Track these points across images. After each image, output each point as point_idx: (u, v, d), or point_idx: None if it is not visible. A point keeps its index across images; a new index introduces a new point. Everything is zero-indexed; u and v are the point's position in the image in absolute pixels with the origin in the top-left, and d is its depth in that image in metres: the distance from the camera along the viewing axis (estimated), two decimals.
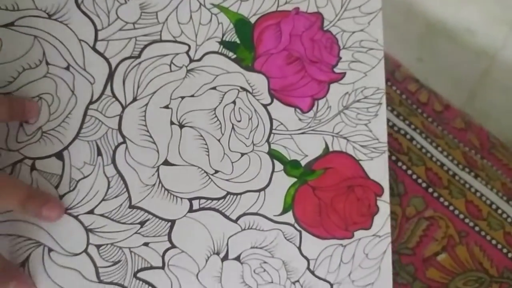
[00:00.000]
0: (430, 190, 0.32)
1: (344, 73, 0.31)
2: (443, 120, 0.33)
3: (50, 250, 0.28)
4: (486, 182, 0.33)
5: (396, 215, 0.31)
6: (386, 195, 0.30)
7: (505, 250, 0.32)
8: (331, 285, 0.29)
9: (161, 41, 0.30)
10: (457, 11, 0.37)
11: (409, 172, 0.32)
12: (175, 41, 0.30)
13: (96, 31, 0.30)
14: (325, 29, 0.31)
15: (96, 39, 0.30)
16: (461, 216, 0.33)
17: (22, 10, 0.29)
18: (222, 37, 0.30)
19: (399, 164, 0.32)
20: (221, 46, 0.30)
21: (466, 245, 0.32)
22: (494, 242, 0.33)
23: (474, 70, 0.39)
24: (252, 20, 0.31)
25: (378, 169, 0.30)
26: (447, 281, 0.32)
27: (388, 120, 0.31)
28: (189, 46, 0.30)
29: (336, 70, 0.31)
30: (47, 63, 0.29)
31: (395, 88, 0.32)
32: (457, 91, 0.36)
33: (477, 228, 0.32)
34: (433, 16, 0.37)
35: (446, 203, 0.33)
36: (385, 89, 0.30)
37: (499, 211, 0.33)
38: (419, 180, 0.32)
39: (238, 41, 0.30)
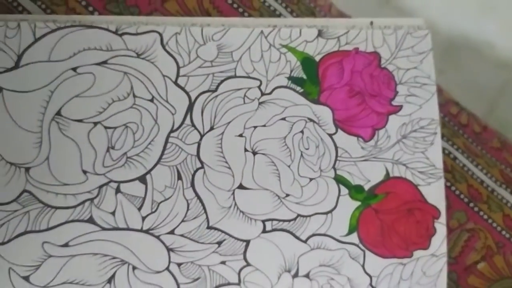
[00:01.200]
0: (471, 204, 0.35)
1: (401, 106, 0.34)
2: (482, 140, 0.36)
3: (134, 268, 0.30)
4: None
5: None
6: (443, 218, 0.33)
7: None
8: None
9: (235, 76, 0.33)
10: (478, 25, 0.40)
11: (453, 188, 0.35)
12: (248, 77, 0.33)
13: (178, 68, 0.33)
14: (382, 66, 0.34)
15: (178, 75, 0.33)
16: (499, 228, 0.35)
17: (114, 50, 0.33)
18: (290, 73, 0.34)
19: (444, 181, 0.35)
20: (289, 81, 0.33)
21: (503, 254, 0.35)
22: None
23: (494, 81, 0.41)
24: (317, 58, 0.34)
25: (435, 193, 0.33)
26: (486, 287, 0.35)
27: None
28: (261, 81, 0.33)
29: (393, 103, 0.34)
30: (134, 96, 0.32)
31: (439, 111, 0.36)
32: (479, 102, 0.38)
33: None
34: (454, 29, 0.40)
35: (485, 217, 0.35)
36: (439, 120, 0.34)
37: None
38: (462, 196, 0.35)
39: (304, 77, 0.34)
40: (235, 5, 0.36)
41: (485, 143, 0.37)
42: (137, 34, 0.33)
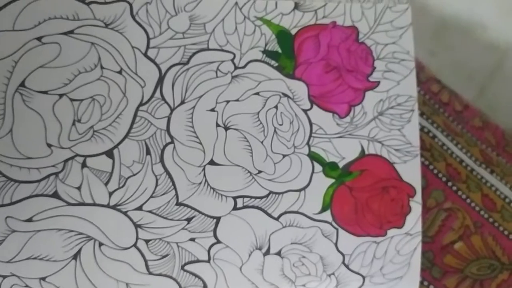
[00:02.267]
0: (450, 184, 0.35)
1: (378, 82, 0.33)
2: (463, 119, 0.36)
3: (100, 244, 0.29)
4: (501, 177, 0.36)
5: None
6: (419, 196, 0.32)
7: None
8: (364, 277, 0.31)
9: (208, 49, 0.32)
10: (471, 6, 0.39)
11: (431, 167, 0.35)
12: (221, 50, 0.32)
13: (149, 39, 0.32)
14: (360, 41, 0.33)
15: (148, 47, 0.32)
16: (477, 208, 0.35)
17: (81, 20, 0.31)
18: (265, 46, 0.33)
19: (422, 159, 0.34)
20: (264, 55, 0.32)
21: (480, 234, 0.35)
22: (506, 232, 0.35)
23: (485, 64, 0.41)
24: (293, 32, 0.33)
25: (411, 171, 0.32)
26: (462, 267, 0.35)
27: None
28: (234, 55, 0.32)
29: (371, 79, 0.33)
30: (102, 67, 0.31)
31: (419, 89, 0.35)
32: (469, 85, 0.38)
33: (491, 220, 0.35)
34: (446, 10, 0.39)
35: (463, 196, 0.35)
36: (417, 97, 0.33)
37: None
38: (440, 175, 0.35)
39: (280, 50, 0.33)
40: None
41: (466, 121, 0.37)
42: (105, 3, 0.32)
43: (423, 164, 0.34)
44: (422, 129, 0.34)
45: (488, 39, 0.40)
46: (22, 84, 0.30)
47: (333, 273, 0.31)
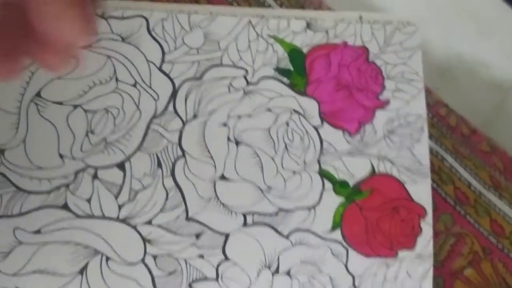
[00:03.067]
0: (458, 208, 0.34)
1: (388, 101, 0.33)
2: (471, 143, 0.36)
3: (108, 258, 0.29)
4: (510, 202, 0.35)
5: None
6: (429, 217, 0.32)
7: None
8: None
9: (221, 65, 0.33)
10: (475, 47, 0.40)
11: (439, 190, 0.34)
12: (234, 66, 0.33)
13: (163, 53, 0.32)
14: (370, 60, 0.34)
15: (163, 61, 0.32)
16: (486, 233, 0.34)
17: (99, 34, 0.32)
18: (277, 64, 0.33)
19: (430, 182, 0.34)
20: (276, 72, 0.33)
21: (490, 261, 0.34)
22: None
23: (488, 102, 0.41)
24: (304, 50, 0.33)
25: (421, 192, 0.32)
26: None
27: None
28: (247, 71, 0.33)
29: (380, 97, 0.33)
30: (117, 80, 0.31)
31: (427, 112, 0.35)
32: (473, 122, 0.38)
33: (500, 246, 0.34)
34: (451, 49, 0.40)
35: (472, 221, 0.34)
36: (426, 117, 0.33)
37: None
38: (448, 198, 0.34)
39: (291, 68, 0.33)
40: None
41: (474, 146, 0.37)
42: (123, 18, 0.32)
43: (431, 187, 0.34)
44: (431, 151, 0.34)
45: (492, 78, 0.41)
46: (38, 94, 0.31)
47: None
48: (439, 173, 0.35)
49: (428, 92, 0.36)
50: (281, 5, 0.36)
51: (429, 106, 0.35)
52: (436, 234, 0.33)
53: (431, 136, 0.35)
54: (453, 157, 0.35)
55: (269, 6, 0.36)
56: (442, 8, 0.41)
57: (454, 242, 0.34)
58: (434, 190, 0.34)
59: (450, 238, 0.34)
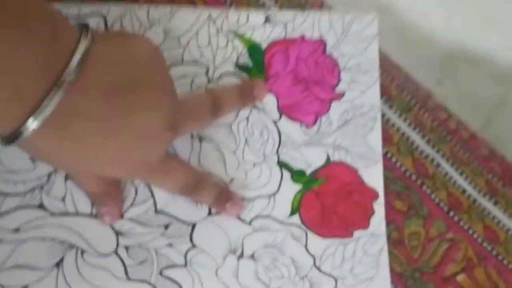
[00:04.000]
0: (451, 213, 0.36)
1: (344, 93, 0.35)
2: (470, 147, 0.37)
3: (83, 251, 0.32)
4: (505, 209, 0.37)
5: (419, 235, 0.35)
6: (381, 199, 0.34)
7: None
8: (336, 280, 0.33)
9: (182, 63, 0.34)
10: (479, 38, 0.41)
11: (433, 196, 0.36)
12: (195, 63, 0.34)
13: None
14: (327, 53, 0.35)
15: None
16: (480, 240, 0.36)
17: None
18: (237, 60, 0.34)
19: (424, 188, 0.35)
20: (236, 68, 0.34)
21: (484, 267, 0.36)
22: (510, 266, 0.36)
23: (492, 95, 0.42)
24: (263, 45, 0.34)
25: (373, 176, 0.34)
26: None
27: (418, 146, 0.36)
28: (208, 68, 0.34)
29: (336, 89, 0.35)
30: None
31: (427, 115, 0.36)
32: (475, 115, 0.39)
33: (494, 252, 0.36)
34: (455, 41, 0.40)
35: (466, 227, 0.36)
36: (380, 106, 0.35)
37: None
38: (441, 204, 0.36)
39: (251, 64, 0.34)
40: None
41: (473, 150, 0.37)
42: (79, 16, 0.33)
43: (425, 193, 0.35)
44: (426, 157, 0.36)
45: (495, 71, 0.42)
46: None
47: (305, 276, 0.33)
48: (433, 179, 0.36)
49: (428, 95, 0.36)
50: (281, 7, 0.36)
51: (429, 110, 0.36)
52: (429, 239, 0.35)
53: (429, 141, 0.36)
54: (450, 163, 0.36)
55: (269, 8, 0.36)
56: (448, 0, 0.41)
57: (447, 248, 0.35)
58: (427, 195, 0.35)
59: (444, 244, 0.35)
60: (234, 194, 0.33)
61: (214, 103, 0.31)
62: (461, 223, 0.36)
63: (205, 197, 0.32)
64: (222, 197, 0.32)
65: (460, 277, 0.35)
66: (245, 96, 0.33)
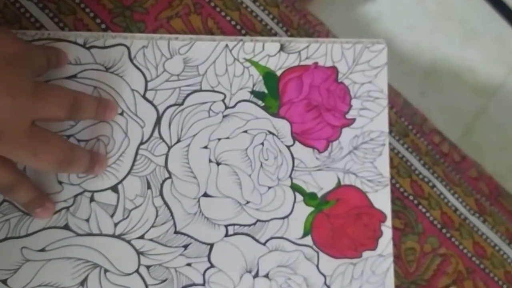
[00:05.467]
0: (444, 231, 0.38)
1: (354, 119, 0.36)
2: (461, 169, 0.39)
3: (106, 271, 0.33)
4: (492, 226, 0.40)
5: (415, 250, 0.37)
6: (389, 221, 0.36)
7: (505, 286, 0.39)
8: None
9: (201, 90, 0.35)
10: (461, 51, 0.43)
11: (427, 214, 0.38)
12: (213, 91, 0.35)
13: (146, 81, 0.35)
14: (339, 81, 0.37)
15: (146, 89, 0.35)
16: (469, 254, 0.38)
17: (83, 64, 0.34)
18: (253, 87, 0.36)
19: (420, 207, 0.38)
20: (252, 95, 0.36)
21: (472, 280, 0.38)
22: (496, 279, 0.39)
23: (472, 106, 0.44)
24: (278, 73, 0.36)
25: (381, 199, 0.36)
26: None
27: (415, 168, 0.38)
28: (225, 95, 0.35)
29: (347, 116, 0.36)
30: None
31: (422, 139, 0.38)
32: (455, 125, 0.41)
33: (482, 266, 0.39)
34: (438, 53, 0.42)
35: (456, 243, 0.38)
36: (388, 132, 0.36)
37: (501, 252, 0.39)
38: (435, 222, 0.38)
39: (266, 91, 0.36)
40: (238, 27, 0.37)
41: (463, 172, 0.39)
42: (104, 47, 0.35)
43: (420, 212, 0.38)
44: (423, 178, 0.38)
45: (476, 83, 0.43)
46: None
47: None
48: (429, 199, 0.38)
49: (423, 119, 0.38)
50: (291, 36, 0.38)
51: (424, 134, 0.38)
52: (423, 254, 0.37)
53: (425, 164, 0.38)
54: (443, 184, 0.39)
55: (281, 37, 0.37)
56: (432, 14, 0.43)
57: (440, 262, 0.38)
58: (423, 214, 0.38)
59: (437, 258, 0.38)
60: (48, 200, 0.33)
61: (74, 102, 0.31)
62: (453, 239, 0.39)
63: (20, 198, 0.32)
64: (36, 201, 0.32)
65: None
66: (101, 110, 0.33)
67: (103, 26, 0.35)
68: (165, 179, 0.34)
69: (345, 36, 0.38)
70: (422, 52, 0.42)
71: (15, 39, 0.30)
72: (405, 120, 0.39)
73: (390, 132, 0.37)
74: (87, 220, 0.33)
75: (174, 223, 0.34)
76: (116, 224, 0.34)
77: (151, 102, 0.35)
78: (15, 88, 0.28)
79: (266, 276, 0.34)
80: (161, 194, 0.34)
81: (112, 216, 0.34)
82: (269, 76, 0.36)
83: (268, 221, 0.35)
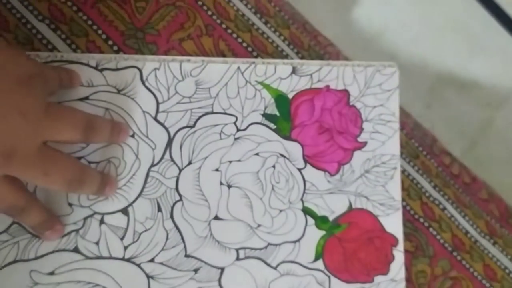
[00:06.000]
0: (455, 253, 0.38)
1: (366, 142, 0.36)
2: (471, 191, 0.39)
3: None
4: (502, 248, 0.40)
5: (426, 273, 0.37)
6: (401, 246, 0.36)
7: None
8: None
9: (212, 113, 0.35)
10: (467, 65, 0.43)
11: (438, 237, 0.38)
12: (225, 113, 0.35)
13: (158, 104, 0.35)
14: (350, 104, 0.37)
15: (157, 111, 0.35)
16: (479, 277, 0.38)
17: (96, 86, 0.34)
18: (264, 110, 0.36)
19: (430, 230, 0.38)
20: (264, 118, 0.36)
21: None
22: None
23: (477, 120, 0.44)
24: (290, 95, 0.36)
25: (393, 223, 0.36)
26: None
27: (426, 191, 0.38)
28: (236, 118, 0.35)
29: (359, 139, 0.36)
30: None
31: (432, 161, 0.38)
32: (460, 139, 0.41)
33: None
34: (443, 66, 0.42)
35: (467, 266, 0.38)
36: (399, 155, 0.36)
37: (511, 275, 0.39)
38: (446, 245, 0.38)
39: (278, 113, 0.36)
40: (249, 49, 0.37)
41: (473, 194, 0.39)
42: (117, 69, 0.35)
43: (431, 234, 0.38)
44: (433, 201, 0.38)
45: (481, 96, 0.43)
46: None
47: None
48: (439, 222, 0.38)
49: (433, 141, 0.38)
50: (302, 58, 0.38)
51: (434, 155, 0.38)
52: (434, 277, 0.37)
53: (435, 186, 0.38)
54: (454, 206, 0.39)
55: (291, 59, 0.38)
56: (438, 27, 0.43)
57: (450, 285, 0.38)
58: (433, 237, 0.38)
59: (447, 282, 0.38)
60: (58, 222, 0.33)
61: (88, 124, 0.31)
62: (463, 262, 0.38)
63: (29, 220, 0.32)
64: (46, 223, 0.32)
65: None
66: (114, 133, 0.33)
67: (115, 48, 0.36)
68: (176, 202, 0.34)
69: (349, 50, 0.39)
70: (427, 65, 0.42)
71: (29, 59, 0.30)
72: (415, 142, 0.39)
73: (401, 154, 0.37)
74: (97, 243, 0.33)
75: (185, 247, 0.34)
76: (126, 247, 0.33)
77: (162, 124, 0.34)
78: (27, 107, 0.28)
79: None
80: (171, 217, 0.34)
81: (122, 239, 0.33)
82: (281, 99, 0.36)
83: (279, 244, 0.35)
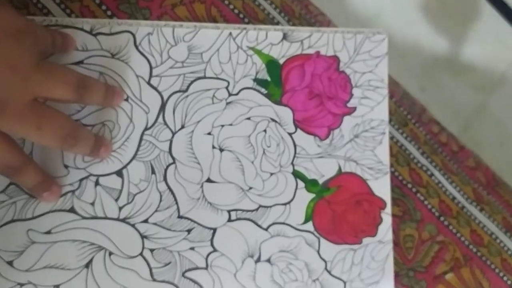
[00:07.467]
0: (442, 218, 0.39)
1: (355, 108, 0.37)
2: (458, 159, 0.40)
3: (110, 253, 0.34)
4: (489, 215, 0.40)
5: (413, 237, 0.38)
6: (388, 208, 0.37)
7: (501, 274, 0.39)
8: (344, 283, 0.36)
9: (205, 77, 0.36)
10: (461, 48, 0.43)
11: (426, 202, 0.39)
12: (217, 78, 0.36)
13: (151, 68, 0.35)
14: (340, 70, 0.37)
15: (151, 75, 0.35)
16: (466, 242, 0.39)
17: (90, 51, 0.35)
18: (256, 75, 0.36)
19: (418, 195, 0.38)
20: (255, 83, 0.36)
21: (469, 267, 0.39)
22: (493, 266, 0.39)
23: (471, 102, 0.44)
24: (281, 61, 0.37)
25: (381, 187, 0.37)
26: None
27: (414, 157, 0.39)
28: (228, 82, 0.36)
29: (348, 105, 0.37)
30: None
31: (421, 129, 0.38)
32: (454, 120, 0.41)
33: (479, 254, 0.39)
34: (438, 50, 0.43)
35: (454, 231, 0.39)
36: (388, 121, 0.37)
37: (498, 241, 0.40)
38: (433, 210, 0.39)
39: (269, 79, 0.36)
40: (241, 15, 0.38)
41: (461, 162, 0.40)
42: (111, 34, 0.35)
43: (419, 200, 0.38)
44: (421, 167, 0.39)
45: (475, 80, 0.44)
46: None
47: (317, 279, 0.35)
48: (427, 187, 0.39)
49: (422, 110, 0.38)
50: (293, 25, 0.38)
51: (423, 123, 0.39)
52: (422, 241, 0.38)
53: (423, 153, 0.39)
54: (441, 173, 0.39)
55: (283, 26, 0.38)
56: (433, 11, 0.43)
57: (438, 249, 0.38)
58: (421, 202, 0.38)
59: (434, 246, 0.38)
60: (54, 184, 0.33)
61: (80, 83, 0.31)
62: (450, 227, 0.39)
63: (26, 181, 0.32)
64: (43, 184, 0.33)
65: (449, 276, 0.39)
66: (109, 96, 0.33)
67: (108, 13, 0.36)
68: (169, 165, 0.35)
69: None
70: (422, 48, 0.42)
71: (19, 15, 0.30)
72: (404, 110, 0.40)
73: (390, 121, 0.38)
74: (92, 204, 0.34)
75: (178, 208, 0.35)
76: (120, 208, 0.34)
77: (155, 89, 0.35)
78: (16, 61, 0.28)
79: (268, 261, 0.35)
80: (165, 179, 0.35)
81: (116, 200, 0.34)
82: (272, 64, 0.37)
83: (270, 207, 0.36)
